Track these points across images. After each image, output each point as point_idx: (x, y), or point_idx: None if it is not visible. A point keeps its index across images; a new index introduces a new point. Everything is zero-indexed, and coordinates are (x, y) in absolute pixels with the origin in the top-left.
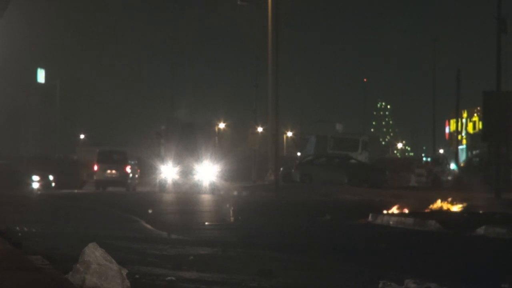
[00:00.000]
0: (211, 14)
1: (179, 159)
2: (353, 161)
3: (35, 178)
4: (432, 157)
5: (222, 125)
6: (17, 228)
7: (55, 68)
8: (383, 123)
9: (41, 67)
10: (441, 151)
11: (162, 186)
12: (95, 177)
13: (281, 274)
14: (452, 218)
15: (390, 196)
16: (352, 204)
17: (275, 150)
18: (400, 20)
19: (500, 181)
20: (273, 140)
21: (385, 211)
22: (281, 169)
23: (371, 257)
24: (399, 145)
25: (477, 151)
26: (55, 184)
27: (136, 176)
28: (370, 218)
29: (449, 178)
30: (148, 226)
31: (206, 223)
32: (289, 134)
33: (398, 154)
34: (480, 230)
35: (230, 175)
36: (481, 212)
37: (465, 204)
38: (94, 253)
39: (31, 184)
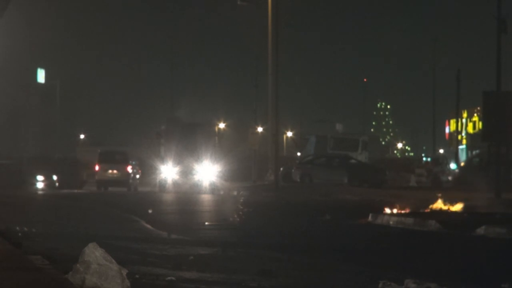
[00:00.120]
0: (211, 14)
1: (179, 159)
2: (353, 161)
3: (40, 178)
4: (432, 157)
5: (222, 125)
6: (17, 228)
7: (55, 68)
8: (383, 123)
9: (41, 67)
10: (441, 151)
11: (162, 186)
12: (96, 177)
13: (281, 274)
14: (452, 218)
15: (390, 196)
16: (352, 204)
17: (275, 150)
18: (400, 20)
19: (500, 181)
20: (273, 140)
21: (385, 211)
22: (281, 169)
23: (371, 257)
24: (399, 145)
25: (477, 151)
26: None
27: (138, 176)
28: (370, 218)
29: (449, 178)
30: (148, 226)
31: (206, 223)
32: (289, 134)
33: (398, 154)
34: (480, 230)
35: (230, 175)
36: (481, 212)
37: (465, 204)
38: (94, 253)
39: (35, 184)
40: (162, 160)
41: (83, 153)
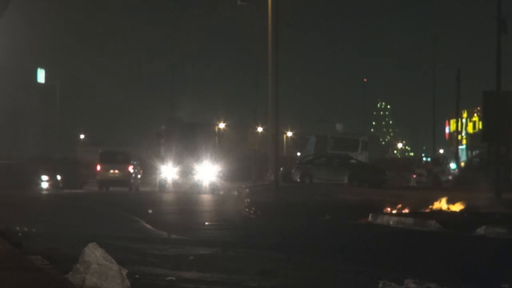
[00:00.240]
0: (211, 14)
1: (179, 159)
2: (353, 161)
3: (44, 177)
4: (432, 157)
5: (222, 125)
6: (17, 228)
7: (55, 68)
8: (383, 123)
9: (41, 67)
10: (441, 151)
11: (162, 186)
12: (98, 177)
13: (281, 274)
14: (452, 218)
15: (390, 196)
16: (352, 204)
17: (275, 150)
18: (400, 20)
19: (500, 181)
20: (273, 140)
21: (385, 211)
22: (281, 169)
23: (371, 257)
24: (399, 145)
25: (477, 151)
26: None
27: (139, 176)
28: (370, 218)
29: (449, 178)
30: (148, 226)
31: (206, 223)
32: (289, 134)
33: (398, 154)
34: (480, 230)
35: (230, 175)
36: (481, 212)
37: (465, 204)
38: (94, 253)
39: (40, 184)
40: (162, 160)
41: (83, 153)
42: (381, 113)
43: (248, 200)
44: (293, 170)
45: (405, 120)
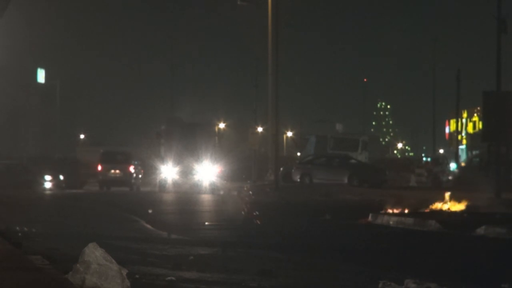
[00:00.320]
0: (211, 14)
1: (179, 159)
2: (353, 161)
3: (48, 177)
4: (432, 157)
5: (222, 125)
6: (17, 228)
7: (55, 68)
8: (383, 123)
9: (41, 67)
10: (441, 151)
11: (162, 186)
12: (99, 177)
13: (281, 274)
14: (452, 218)
15: (390, 196)
16: (352, 204)
17: (275, 150)
18: (400, 20)
19: (500, 181)
20: (273, 140)
21: (385, 211)
22: (281, 169)
23: (371, 257)
24: (399, 145)
25: (477, 151)
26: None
27: (140, 176)
28: (370, 218)
29: (449, 178)
30: (148, 226)
31: (206, 223)
32: (289, 134)
33: (398, 154)
34: (480, 230)
35: (230, 175)
36: (481, 212)
37: (465, 204)
38: (94, 253)
39: (43, 184)
40: (162, 160)
41: (83, 153)
42: (381, 113)
43: (248, 200)
44: (293, 170)
45: (405, 120)
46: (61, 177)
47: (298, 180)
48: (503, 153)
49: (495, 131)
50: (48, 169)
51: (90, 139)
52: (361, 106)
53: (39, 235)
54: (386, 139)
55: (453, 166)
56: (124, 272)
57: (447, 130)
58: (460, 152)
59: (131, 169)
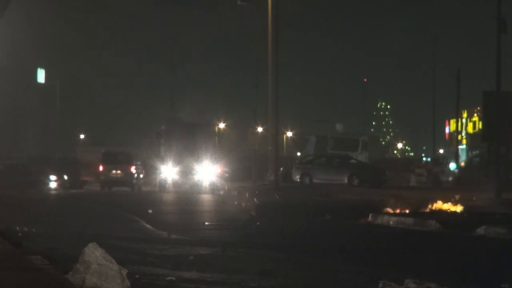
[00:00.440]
0: (211, 14)
1: (179, 159)
2: (353, 161)
3: (52, 177)
4: (432, 157)
5: (222, 125)
6: (17, 228)
7: (55, 68)
8: (383, 123)
9: (41, 67)
10: (441, 151)
11: (162, 186)
12: (101, 177)
13: (281, 274)
14: (452, 218)
15: (390, 196)
16: (352, 204)
17: (275, 150)
18: (400, 20)
19: (500, 181)
20: (273, 140)
21: (385, 211)
22: (281, 169)
23: (371, 257)
24: (399, 145)
25: (477, 151)
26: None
27: (141, 176)
28: (370, 218)
29: (449, 178)
30: (148, 226)
31: (206, 223)
32: (289, 134)
33: (398, 154)
34: (480, 230)
35: (230, 175)
36: (481, 212)
37: (465, 204)
38: (94, 253)
39: (48, 184)
40: (162, 160)
41: (83, 153)
42: (381, 113)
43: (248, 200)
44: (293, 170)
45: (405, 120)
46: (65, 177)
47: (298, 180)
48: (503, 153)
49: (495, 131)
50: (51, 169)
51: (90, 139)
52: (361, 106)
53: (39, 235)
54: (386, 139)
55: (453, 166)
56: (124, 272)
57: (447, 130)
58: (460, 152)
59: (132, 169)
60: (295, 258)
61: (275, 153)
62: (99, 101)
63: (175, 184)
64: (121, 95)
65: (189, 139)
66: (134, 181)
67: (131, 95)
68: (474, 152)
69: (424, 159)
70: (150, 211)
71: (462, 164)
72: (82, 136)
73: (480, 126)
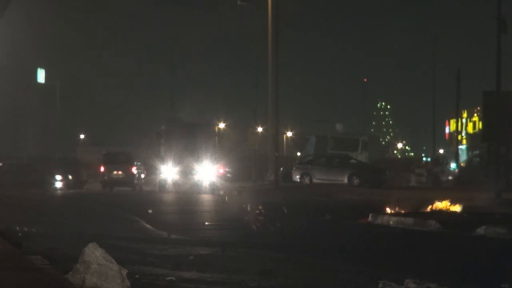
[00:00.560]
0: (211, 14)
1: (179, 159)
2: (353, 161)
3: (58, 177)
4: (432, 157)
5: (222, 125)
6: (17, 228)
7: (55, 68)
8: (383, 123)
9: (41, 67)
10: (441, 151)
11: (162, 186)
12: (102, 178)
13: (281, 274)
14: (452, 218)
15: (390, 196)
16: (352, 204)
17: (275, 150)
18: (400, 20)
19: (500, 181)
20: (273, 140)
21: (385, 211)
22: (281, 169)
23: (371, 257)
24: (399, 145)
25: (477, 151)
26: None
27: (142, 176)
28: (370, 218)
29: (449, 178)
30: (148, 226)
31: (206, 223)
32: (289, 134)
33: (398, 154)
34: (480, 230)
35: (230, 175)
36: (481, 212)
37: (465, 204)
38: (94, 253)
39: (54, 184)
40: (162, 160)
41: (83, 153)
42: (381, 113)
43: (248, 200)
44: (293, 170)
45: (405, 120)
46: (70, 177)
47: (298, 180)
48: (503, 153)
49: (495, 131)
50: (57, 169)
51: (90, 139)
52: (361, 106)
53: (39, 235)
54: (386, 139)
55: (453, 166)
56: (124, 272)
57: (447, 130)
58: (460, 152)
59: (134, 170)
60: (295, 258)
61: (275, 153)
62: (99, 101)
63: (175, 184)
64: (121, 95)
65: (189, 139)
66: (136, 181)
67: (131, 95)
68: (474, 152)
69: (424, 159)
70: (150, 211)
71: (462, 164)
72: (82, 136)
73: (480, 126)
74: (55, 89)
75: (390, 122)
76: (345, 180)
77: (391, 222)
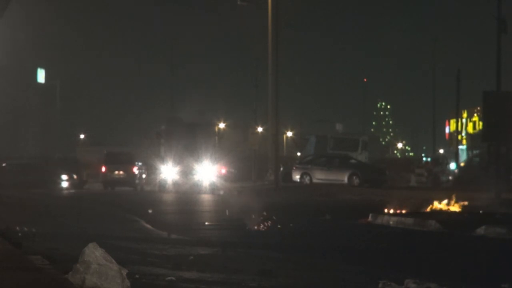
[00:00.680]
0: (211, 14)
1: (179, 159)
2: (353, 161)
3: (64, 177)
4: (432, 157)
5: (222, 125)
6: (17, 228)
7: (55, 68)
8: (383, 123)
9: (41, 67)
10: (441, 151)
11: (162, 186)
12: (104, 178)
13: (281, 274)
14: (452, 218)
15: (390, 196)
16: (352, 204)
17: (275, 150)
18: (400, 20)
19: (500, 181)
20: (273, 140)
21: (385, 211)
22: (281, 169)
23: (371, 257)
24: (399, 145)
25: (477, 151)
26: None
27: (144, 176)
28: (370, 218)
29: (449, 178)
30: (148, 226)
31: (206, 223)
32: (289, 134)
33: (398, 154)
34: (480, 230)
35: (230, 175)
36: (481, 212)
37: (465, 204)
38: (94, 253)
39: (60, 183)
40: (162, 160)
41: (83, 153)
42: (381, 113)
43: (248, 200)
44: (293, 170)
45: (405, 120)
46: (75, 177)
47: (298, 180)
48: (503, 153)
49: (495, 131)
50: (62, 169)
51: (90, 139)
52: (361, 106)
53: (39, 235)
54: (386, 139)
55: (453, 166)
56: (124, 272)
57: (447, 130)
58: (460, 152)
59: (135, 170)
60: (295, 258)
61: (275, 153)
62: (99, 101)
63: (175, 184)
64: (121, 95)
65: (189, 139)
66: (137, 181)
67: (131, 95)
68: (474, 152)
69: (424, 159)
70: (150, 211)
71: (462, 164)
72: (82, 136)
73: (480, 126)
74: (55, 89)
75: (390, 122)
76: (345, 180)
77: (391, 222)
